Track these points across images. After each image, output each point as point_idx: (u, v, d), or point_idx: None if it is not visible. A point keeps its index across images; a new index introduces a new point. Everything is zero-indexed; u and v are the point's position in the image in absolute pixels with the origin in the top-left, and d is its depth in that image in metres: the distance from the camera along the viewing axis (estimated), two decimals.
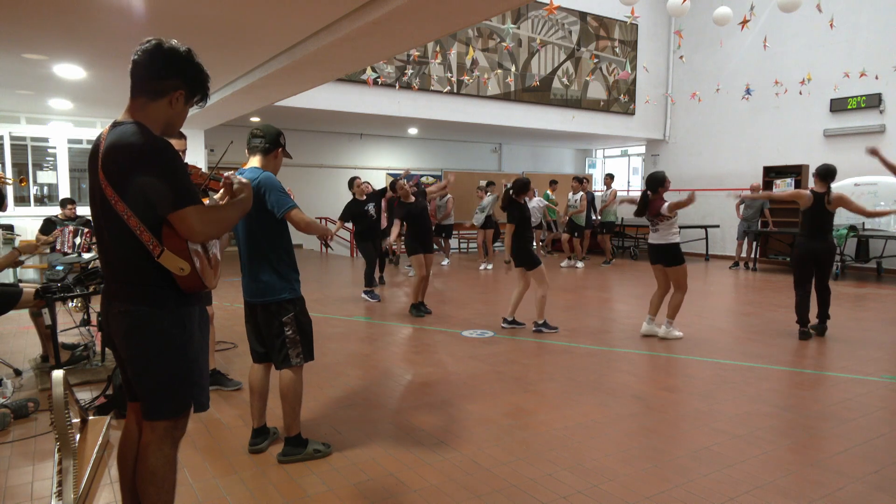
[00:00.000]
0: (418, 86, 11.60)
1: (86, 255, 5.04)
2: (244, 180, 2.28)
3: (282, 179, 3.12)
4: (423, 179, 7.42)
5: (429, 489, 2.81)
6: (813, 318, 5.87)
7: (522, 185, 5.97)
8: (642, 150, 16.56)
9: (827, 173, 5.68)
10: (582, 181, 11.83)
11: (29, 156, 10.49)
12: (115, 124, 1.94)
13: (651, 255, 5.87)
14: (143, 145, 1.86)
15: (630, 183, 17.82)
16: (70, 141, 10.57)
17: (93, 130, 10.53)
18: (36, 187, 10.87)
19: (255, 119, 11.72)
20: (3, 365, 4.67)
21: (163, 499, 2.02)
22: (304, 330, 3.11)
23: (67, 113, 9.94)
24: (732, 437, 3.42)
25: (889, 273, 10.89)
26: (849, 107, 11.53)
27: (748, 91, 10.27)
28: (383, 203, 9.16)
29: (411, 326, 6.40)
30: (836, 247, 5.76)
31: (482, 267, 11.33)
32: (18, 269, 5.73)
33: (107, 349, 4.75)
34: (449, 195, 11.99)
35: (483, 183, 13.08)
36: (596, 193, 12.66)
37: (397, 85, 11.19)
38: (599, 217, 12.28)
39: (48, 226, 7.81)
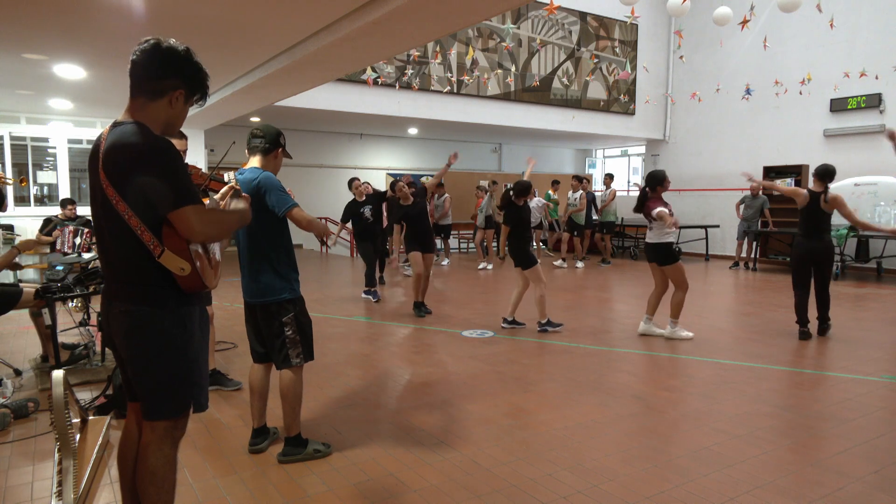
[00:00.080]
0: (418, 86, 11.60)
1: (86, 255, 5.04)
2: (244, 200, 2.32)
3: (282, 179, 3.12)
4: (423, 180, 7.40)
5: (429, 489, 2.81)
6: (813, 319, 5.86)
7: (522, 188, 5.98)
8: (642, 150, 16.57)
9: (825, 173, 5.67)
10: (582, 180, 11.84)
11: (29, 156, 10.50)
12: (116, 124, 1.94)
13: (647, 253, 5.88)
14: (143, 145, 1.86)
15: (630, 183, 17.82)
16: (70, 141, 10.57)
17: (93, 130, 10.53)
18: (36, 187, 10.87)
19: (255, 119, 11.72)
20: (3, 365, 4.67)
21: (163, 499, 2.02)
22: (304, 330, 3.11)
23: (67, 113, 9.95)
24: (732, 437, 3.42)
25: (889, 273, 10.89)
26: (849, 107, 11.53)
27: (748, 91, 10.27)
28: (384, 205, 9.17)
29: (411, 326, 6.40)
30: (834, 247, 5.72)
31: (481, 266, 11.34)
32: (18, 272, 5.73)
33: (107, 349, 4.75)
34: (446, 195, 12.00)
35: (484, 183, 13.09)
36: (596, 193, 12.67)
37: (397, 85, 11.19)
38: (599, 217, 12.28)
39: (48, 225, 7.81)
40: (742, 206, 11.75)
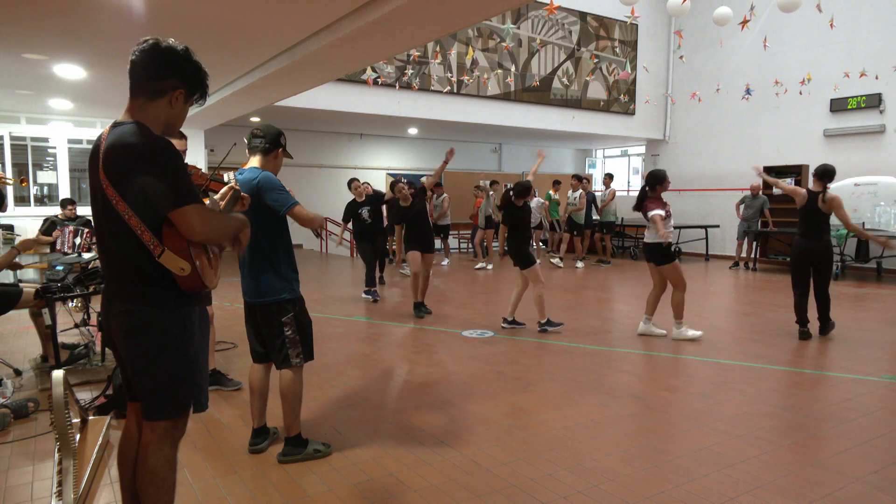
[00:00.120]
0: (418, 86, 11.60)
1: (86, 255, 5.04)
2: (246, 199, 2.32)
3: (282, 179, 3.12)
4: (423, 180, 7.40)
5: (429, 489, 2.81)
6: (814, 319, 5.84)
7: (522, 189, 5.98)
8: (642, 150, 16.57)
9: (824, 173, 5.67)
10: (582, 180, 11.84)
11: (29, 156, 10.50)
12: (116, 124, 1.94)
13: (645, 253, 5.87)
14: (143, 145, 1.86)
15: (630, 183, 17.82)
16: (70, 141, 10.57)
17: (93, 130, 10.53)
18: (36, 187, 10.87)
19: (255, 119, 11.72)
20: (3, 365, 4.67)
21: (163, 499, 2.02)
22: (304, 330, 3.11)
23: (67, 113, 9.95)
24: (732, 437, 3.42)
25: (889, 273, 10.89)
26: (849, 107, 11.53)
27: (748, 91, 10.27)
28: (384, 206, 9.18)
29: (411, 326, 6.40)
30: (833, 247, 5.69)
31: (478, 266, 11.35)
32: (18, 272, 5.73)
33: (107, 349, 4.75)
34: (445, 195, 11.99)
35: (484, 183, 13.08)
36: (596, 193, 12.67)
37: (397, 85, 11.19)
38: (599, 217, 12.29)
39: (48, 225, 7.81)
40: (742, 206, 11.75)
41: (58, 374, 2.76)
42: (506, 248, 6.08)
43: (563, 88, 13.50)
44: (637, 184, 17.33)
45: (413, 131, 15.14)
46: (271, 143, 3.12)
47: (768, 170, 12.46)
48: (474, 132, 15.26)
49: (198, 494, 2.77)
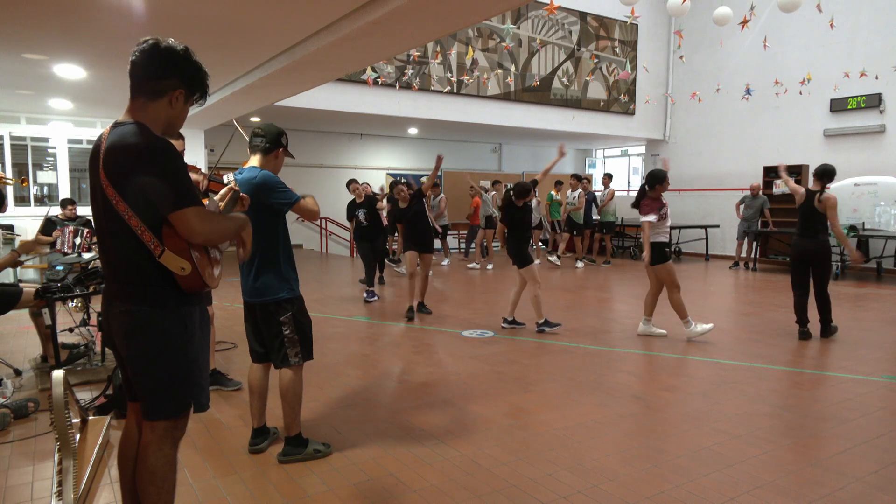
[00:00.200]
0: (418, 86, 11.60)
1: (86, 255, 5.03)
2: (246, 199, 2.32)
3: (282, 179, 3.11)
4: (423, 180, 7.40)
5: (429, 489, 2.81)
6: (815, 320, 5.82)
7: (522, 190, 5.99)
8: (642, 150, 16.56)
9: (824, 173, 5.66)
10: (581, 179, 11.84)
11: (29, 156, 10.49)
12: (116, 125, 1.94)
13: (642, 252, 5.88)
14: (143, 145, 1.86)
15: (630, 183, 17.82)
16: (70, 141, 10.56)
17: (93, 130, 10.52)
18: (36, 187, 10.87)
19: (256, 119, 11.71)
20: (3, 365, 4.67)
21: (163, 499, 2.02)
22: (303, 329, 3.11)
23: (67, 113, 9.94)
24: (732, 437, 3.42)
25: (889, 273, 10.89)
26: (849, 107, 11.53)
27: (748, 91, 10.27)
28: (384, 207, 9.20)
29: (411, 326, 6.40)
30: (831, 247, 5.65)
31: (470, 266, 11.36)
32: (18, 269, 5.73)
33: (107, 349, 4.75)
34: (442, 195, 11.99)
35: (485, 183, 13.08)
36: (596, 193, 12.67)
37: (397, 85, 11.19)
38: (599, 217, 12.29)
39: (48, 225, 7.80)
40: (742, 206, 11.75)
41: (58, 374, 2.76)
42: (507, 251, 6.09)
43: (563, 88, 13.50)
44: (637, 184, 17.33)
45: (413, 131, 15.14)
46: (272, 143, 3.11)
47: (768, 170, 12.51)
48: (474, 132, 15.26)
49: (198, 494, 2.77)
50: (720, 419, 3.70)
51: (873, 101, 11.19)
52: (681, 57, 13.84)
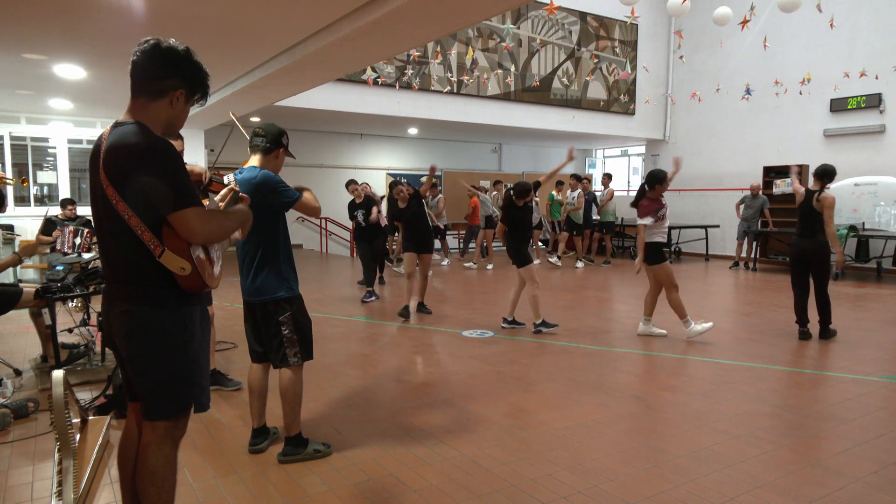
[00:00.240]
0: (418, 86, 11.60)
1: (86, 255, 5.03)
2: (244, 201, 2.31)
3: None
4: (423, 180, 7.39)
5: (429, 489, 2.81)
6: (815, 320, 5.81)
7: (522, 190, 5.99)
8: (642, 150, 16.57)
9: (823, 173, 5.65)
10: (581, 179, 11.84)
11: (29, 156, 10.49)
12: (117, 124, 1.94)
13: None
14: (144, 145, 1.86)
15: (630, 183, 17.82)
16: (70, 141, 10.56)
17: (93, 130, 10.52)
18: (36, 187, 10.87)
19: (256, 119, 11.71)
20: (3, 365, 4.67)
21: (163, 499, 2.02)
22: (302, 329, 3.11)
23: (67, 113, 9.94)
24: (732, 437, 3.42)
25: (889, 273, 10.89)
26: (849, 107, 11.53)
27: (748, 91, 10.27)
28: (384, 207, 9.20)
29: (411, 326, 6.40)
30: (829, 247, 5.62)
31: (467, 265, 11.36)
32: (18, 269, 5.73)
33: (107, 349, 4.75)
34: (440, 195, 11.99)
35: (486, 183, 13.08)
36: (596, 193, 12.68)
37: (397, 85, 11.19)
38: (599, 217, 12.29)
39: (48, 225, 7.80)
40: (742, 206, 11.75)
41: (58, 374, 2.76)
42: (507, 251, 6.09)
43: (563, 88, 13.50)
44: (637, 184, 17.33)
45: (413, 131, 15.14)
46: (272, 143, 3.11)
47: (768, 170, 12.51)
48: (474, 132, 15.26)
49: (198, 494, 2.77)
50: (720, 419, 3.70)
51: (873, 101, 11.19)
52: (681, 57, 13.84)
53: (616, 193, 12.84)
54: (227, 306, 7.22)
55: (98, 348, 4.88)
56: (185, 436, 2.11)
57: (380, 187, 14.60)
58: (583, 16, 13.52)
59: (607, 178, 12.71)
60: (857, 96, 11.39)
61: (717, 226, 13.74)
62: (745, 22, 6.65)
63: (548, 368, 4.85)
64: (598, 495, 2.75)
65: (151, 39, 1.97)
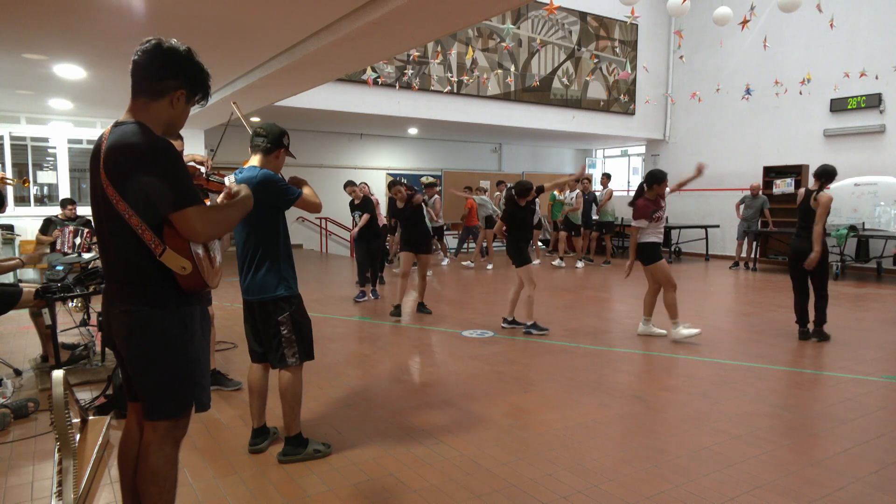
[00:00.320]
0: (418, 86, 11.60)
1: (86, 255, 5.04)
2: (242, 187, 2.26)
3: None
4: (423, 179, 7.40)
5: (429, 489, 2.81)
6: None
7: (523, 189, 6.00)
8: (642, 150, 16.56)
9: (823, 174, 5.65)
10: (580, 179, 11.85)
11: (29, 156, 10.49)
12: (117, 124, 1.94)
13: (639, 253, 5.86)
14: (144, 145, 1.86)
15: (630, 183, 17.82)
16: (70, 141, 10.56)
17: (93, 130, 10.52)
18: (36, 187, 10.87)
19: (256, 119, 11.72)
20: (3, 365, 4.67)
21: (164, 499, 2.02)
22: (301, 330, 3.10)
23: (67, 113, 9.94)
24: (732, 437, 3.42)
25: (889, 273, 10.89)
26: (849, 107, 11.53)
27: (748, 91, 10.27)
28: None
29: (411, 326, 6.40)
30: (828, 246, 5.60)
31: (464, 263, 11.36)
32: (18, 271, 5.74)
33: (107, 349, 4.75)
34: (437, 195, 11.99)
35: (486, 183, 13.08)
36: (596, 193, 12.68)
37: (397, 85, 11.19)
38: (598, 217, 12.29)
39: (47, 225, 7.81)
40: (742, 206, 11.75)
41: (58, 374, 2.76)
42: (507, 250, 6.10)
43: (563, 88, 13.50)
44: (637, 184, 17.32)
45: (413, 131, 15.14)
46: (273, 143, 3.11)
47: (768, 170, 12.51)
48: (474, 132, 15.26)
49: (198, 494, 2.77)
50: (720, 419, 3.70)
51: (873, 101, 11.19)
52: (681, 57, 13.84)
53: (616, 193, 12.83)
54: (227, 306, 7.22)
55: (98, 348, 4.88)
56: (185, 436, 2.11)
57: (380, 187, 14.59)
58: (583, 16, 13.52)
59: (606, 178, 12.72)
60: (857, 96, 11.39)
61: (717, 226, 13.73)
62: (745, 22, 6.65)
63: (548, 368, 4.85)
64: (598, 495, 2.75)
65: (153, 39, 1.97)
